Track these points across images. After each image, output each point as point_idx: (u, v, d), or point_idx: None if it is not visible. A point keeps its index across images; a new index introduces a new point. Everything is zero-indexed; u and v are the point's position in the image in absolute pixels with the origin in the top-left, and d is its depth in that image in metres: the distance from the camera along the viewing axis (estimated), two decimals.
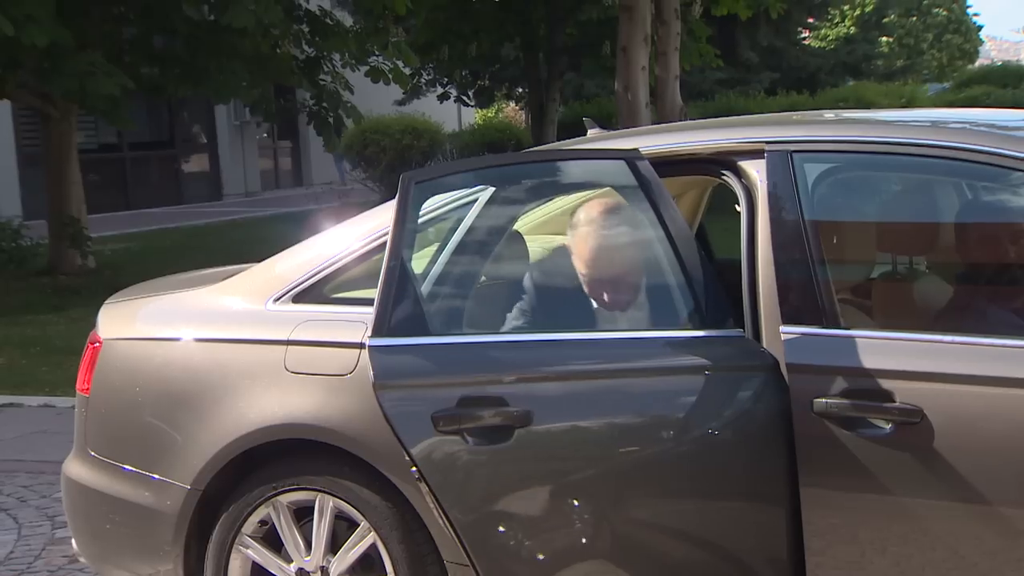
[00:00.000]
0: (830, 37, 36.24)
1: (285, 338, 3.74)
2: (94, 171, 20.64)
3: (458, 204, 3.82)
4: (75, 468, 4.15)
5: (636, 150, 3.44)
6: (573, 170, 3.83)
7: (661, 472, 3.34)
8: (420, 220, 3.56)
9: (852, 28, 36.76)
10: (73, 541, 4.27)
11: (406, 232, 3.31)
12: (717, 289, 3.33)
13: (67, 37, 12.58)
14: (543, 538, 3.38)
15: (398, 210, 3.29)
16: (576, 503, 3.34)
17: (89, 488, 4.06)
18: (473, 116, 33.31)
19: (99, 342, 4.14)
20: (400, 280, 3.28)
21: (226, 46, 14.19)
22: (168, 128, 27.73)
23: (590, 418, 3.35)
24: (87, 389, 4.12)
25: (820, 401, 3.06)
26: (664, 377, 3.36)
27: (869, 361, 3.07)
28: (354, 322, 3.61)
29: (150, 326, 4.21)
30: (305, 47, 15.86)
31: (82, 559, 4.32)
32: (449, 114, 29.15)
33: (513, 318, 3.73)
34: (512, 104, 32.72)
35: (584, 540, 3.38)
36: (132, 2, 14.51)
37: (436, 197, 3.73)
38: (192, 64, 14.61)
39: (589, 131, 4.50)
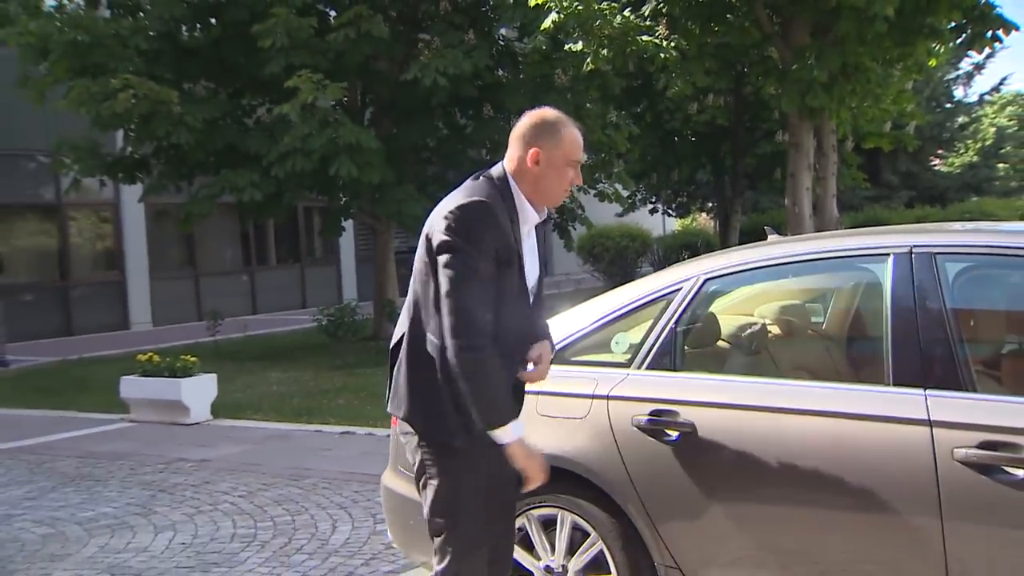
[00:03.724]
0: (956, 164, 34.79)
1: (537, 389, 3.68)
2: (404, 266, 21.18)
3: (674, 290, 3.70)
4: (389, 479, 4.19)
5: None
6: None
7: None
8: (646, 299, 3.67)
9: (975, 157, 35.21)
10: (388, 532, 4.30)
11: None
12: None
13: (390, 176, 13.15)
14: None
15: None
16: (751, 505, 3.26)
17: (398, 494, 4.07)
18: (674, 224, 33.07)
19: None
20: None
21: None
22: None
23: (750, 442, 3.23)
24: (395, 422, 4.16)
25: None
26: None
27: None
28: (587, 379, 3.57)
29: None
30: None
31: (395, 546, 4.34)
32: (656, 222, 28.97)
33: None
34: (704, 215, 32.33)
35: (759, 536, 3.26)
36: (434, 150, 15.02)
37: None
38: None
39: (769, 236, 4.34)
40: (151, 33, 13.59)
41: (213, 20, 13.80)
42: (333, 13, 13.74)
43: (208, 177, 13.82)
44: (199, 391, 9.36)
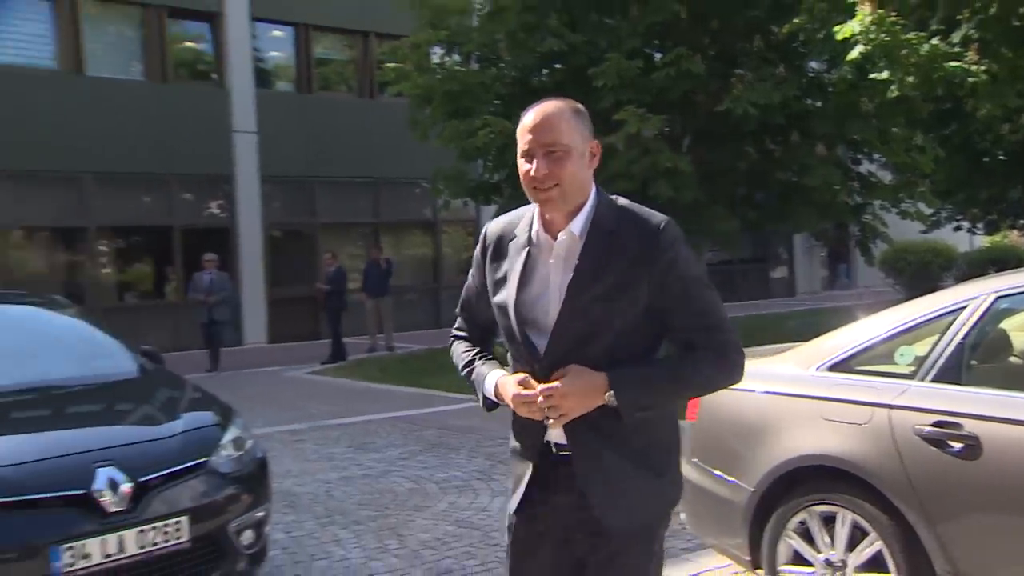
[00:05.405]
0: None
1: (823, 395, 3.51)
2: (715, 275, 20.81)
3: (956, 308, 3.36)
4: (684, 469, 4.11)
5: None
6: None
7: None
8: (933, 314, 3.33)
9: None
10: (683, 515, 4.24)
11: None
12: None
13: (703, 197, 13.00)
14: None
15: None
16: None
17: (692, 483, 4.01)
18: (981, 240, 29.85)
19: None
20: None
21: (803, 197, 13.88)
22: (762, 249, 27.40)
23: None
24: (693, 418, 4.10)
25: None
26: None
27: None
28: (870, 388, 3.33)
29: None
30: (856, 196, 15.08)
31: (687, 527, 4.27)
32: (962, 237, 26.35)
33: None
34: (1015, 232, 28.94)
35: None
36: (744, 173, 14.61)
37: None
38: (780, 209, 14.44)
39: None
40: (507, 80, 14.33)
41: (557, 66, 14.30)
42: (658, 55, 13.77)
43: None
44: None
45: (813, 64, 14.50)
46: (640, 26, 13.09)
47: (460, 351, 2.46)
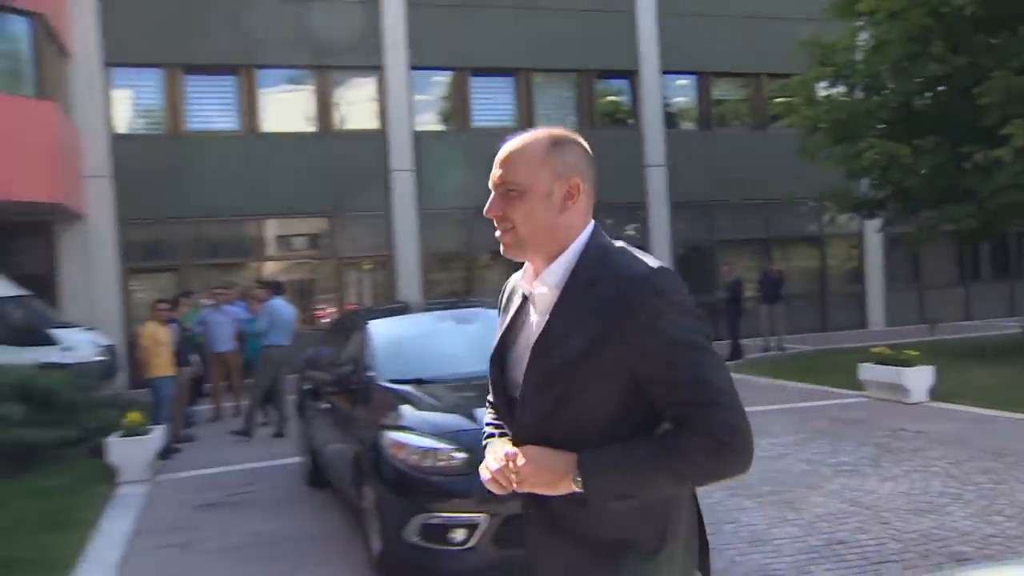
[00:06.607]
0: None
1: None
2: None
3: None
4: None
5: None
6: None
7: None
8: None
9: None
10: None
11: None
12: None
13: None
14: None
15: None
16: None
17: None
18: None
19: None
20: None
21: None
22: None
23: None
24: None
25: None
26: None
27: None
28: None
29: None
30: None
31: None
32: None
33: None
34: None
35: None
36: None
37: None
38: None
39: None
40: (891, 106, 13.52)
41: (940, 88, 13.17)
42: None
43: (930, 211, 13.25)
44: (918, 378, 9.17)
45: None
46: None
47: (485, 422, 1.88)
